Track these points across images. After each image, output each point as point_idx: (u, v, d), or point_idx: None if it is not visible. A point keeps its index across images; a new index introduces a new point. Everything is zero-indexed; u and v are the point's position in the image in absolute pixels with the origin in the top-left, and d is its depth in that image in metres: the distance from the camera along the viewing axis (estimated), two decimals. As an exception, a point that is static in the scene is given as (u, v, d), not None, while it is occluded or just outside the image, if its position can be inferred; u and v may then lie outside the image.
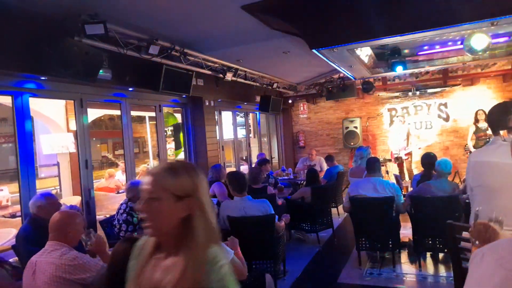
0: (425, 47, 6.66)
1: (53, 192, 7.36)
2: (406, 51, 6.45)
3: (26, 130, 3.93)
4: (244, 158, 9.29)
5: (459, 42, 5.87)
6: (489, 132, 7.27)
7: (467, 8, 3.77)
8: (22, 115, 3.90)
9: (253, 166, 7.74)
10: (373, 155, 5.92)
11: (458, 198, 3.92)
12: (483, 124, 7.51)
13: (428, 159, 4.86)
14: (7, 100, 5.22)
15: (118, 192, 7.01)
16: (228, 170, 6.77)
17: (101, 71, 4.03)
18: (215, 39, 5.15)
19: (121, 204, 3.83)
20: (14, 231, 4.45)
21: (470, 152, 7.52)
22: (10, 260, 3.01)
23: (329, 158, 7.51)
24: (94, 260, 2.35)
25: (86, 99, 4.62)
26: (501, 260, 0.75)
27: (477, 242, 1.55)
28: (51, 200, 3.19)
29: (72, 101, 4.56)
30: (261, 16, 4.22)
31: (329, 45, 4.41)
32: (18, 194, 3.94)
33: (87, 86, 4.47)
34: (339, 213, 6.97)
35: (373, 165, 4.54)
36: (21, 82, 3.89)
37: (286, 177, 7.56)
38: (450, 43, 6.23)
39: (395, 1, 4.02)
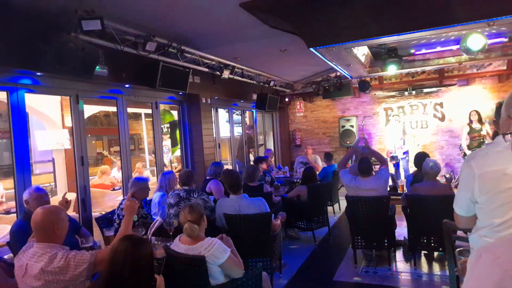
0: (422, 48, 6.70)
1: (48, 188, 7.36)
2: (402, 51, 6.47)
3: (22, 127, 3.90)
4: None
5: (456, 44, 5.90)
6: (483, 132, 7.38)
7: (464, 8, 3.78)
8: (17, 111, 3.87)
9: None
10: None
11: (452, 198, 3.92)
12: (476, 125, 7.54)
13: (420, 159, 4.86)
14: (2, 95, 5.18)
15: (113, 189, 6.99)
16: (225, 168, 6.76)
17: (97, 67, 4.00)
18: (213, 37, 5.13)
19: (122, 200, 3.81)
20: (8, 228, 4.42)
21: (465, 153, 7.54)
22: (5, 256, 2.99)
23: (327, 156, 7.48)
24: (81, 252, 2.20)
25: (82, 95, 4.59)
26: (497, 260, 0.75)
27: None
28: (38, 194, 3.14)
29: (68, 97, 4.53)
30: (259, 14, 4.21)
31: (326, 43, 4.41)
32: (13, 190, 3.91)
33: (83, 82, 4.44)
34: (334, 211, 7.01)
35: (366, 168, 4.47)
36: (16, 78, 3.85)
37: (282, 175, 7.56)
38: (446, 43, 6.27)
39: (393, 1, 4.02)
